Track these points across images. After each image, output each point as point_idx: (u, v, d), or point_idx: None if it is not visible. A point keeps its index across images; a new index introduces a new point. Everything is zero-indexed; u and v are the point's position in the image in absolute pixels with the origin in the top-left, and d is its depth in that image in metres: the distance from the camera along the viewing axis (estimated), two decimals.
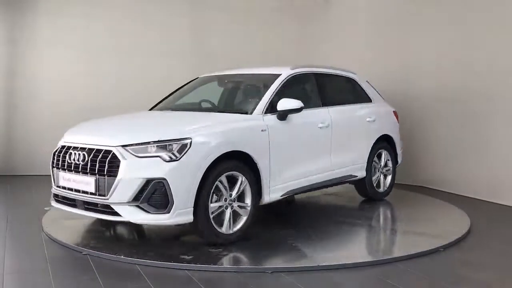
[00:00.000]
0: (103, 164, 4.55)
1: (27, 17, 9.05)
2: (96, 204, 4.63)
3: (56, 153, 5.08)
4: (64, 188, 4.91)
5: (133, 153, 4.50)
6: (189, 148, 4.52)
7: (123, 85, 9.38)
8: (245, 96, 6.14)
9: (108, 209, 4.55)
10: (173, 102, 6.30)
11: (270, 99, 5.43)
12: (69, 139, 5.09)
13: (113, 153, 4.53)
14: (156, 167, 4.45)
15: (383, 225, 6.01)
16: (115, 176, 4.46)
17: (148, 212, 4.47)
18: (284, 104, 5.31)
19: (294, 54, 9.94)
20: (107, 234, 5.34)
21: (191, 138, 4.56)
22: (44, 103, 9.15)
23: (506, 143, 6.86)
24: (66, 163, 4.87)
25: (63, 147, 5.04)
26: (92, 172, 4.60)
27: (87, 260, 4.50)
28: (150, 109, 6.29)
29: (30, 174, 8.98)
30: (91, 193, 4.62)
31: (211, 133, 4.74)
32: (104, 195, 4.52)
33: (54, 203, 5.18)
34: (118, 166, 4.47)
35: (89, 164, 4.64)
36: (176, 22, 9.62)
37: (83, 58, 9.25)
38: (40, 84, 9.12)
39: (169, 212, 4.44)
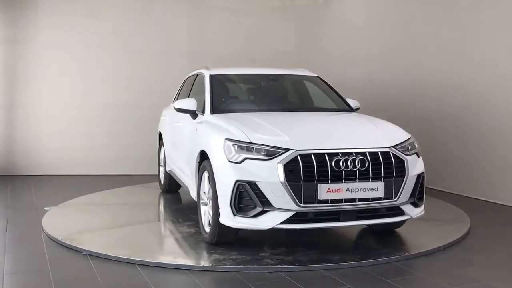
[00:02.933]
0: (388, 166, 4.49)
1: (27, 17, 9.06)
2: (375, 210, 4.52)
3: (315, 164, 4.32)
4: (326, 201, 4.31)
5: (402, 152, 4.65)
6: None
7: (123, 84, 9.40)
8: (304, 95, 6.30)
9: (390, 212, 4.58)
10: (237, 103, 5.94)
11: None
12: (313, 146, 4.42)
13: (393, 154, 4.55)
14: (419, 163, 4.84)
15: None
16: (403, 176, 4.55)
17: (419, 206, 4.81)
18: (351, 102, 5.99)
19: (294, 54, 9.94)
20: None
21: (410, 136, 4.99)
22: (44, 103, 9.16)
23: (506, 143, 6.86)
24: (333, 173, 4.32)
25: (317, 155, 4.35)
26: (378, 176, 4.44)
27: (87, 260, 4.51)
28: (213, 113, 5.34)
29: (30, 174, 8.99)
30: (374, 199, 4.45)
31: None
32: (391, 198, 4.51)
33: (294, 225, 4.35)
34: (402, 166, 4.56)
35: (371, 168, 4.42)
36: (176, 22, 9.63)
37: (82, 58, 9.27)
38: (39, 84, 9.13)
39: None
